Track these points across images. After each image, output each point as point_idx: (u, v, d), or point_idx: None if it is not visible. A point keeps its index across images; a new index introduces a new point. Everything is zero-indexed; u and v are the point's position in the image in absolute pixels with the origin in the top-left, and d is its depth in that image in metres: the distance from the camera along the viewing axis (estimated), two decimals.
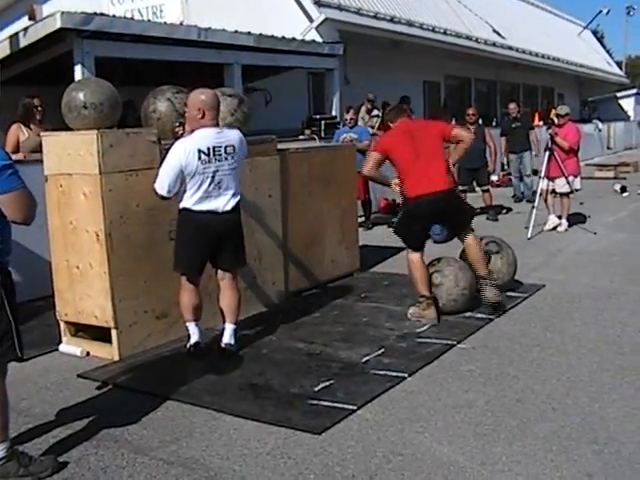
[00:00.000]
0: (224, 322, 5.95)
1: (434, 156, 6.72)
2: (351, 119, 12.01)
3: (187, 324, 5.91)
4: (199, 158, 5.43)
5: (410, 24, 17.41)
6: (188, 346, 5.89)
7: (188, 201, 5.58)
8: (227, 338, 5.90)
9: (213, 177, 5.52)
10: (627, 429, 4.34)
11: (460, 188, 12.97)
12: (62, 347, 6.22)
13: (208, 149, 5.47)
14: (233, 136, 5.69)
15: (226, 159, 5.56)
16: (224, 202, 5.62)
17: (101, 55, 9.23)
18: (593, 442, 4.18)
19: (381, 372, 5.34)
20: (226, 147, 5.58)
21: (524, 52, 24.33)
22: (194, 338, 5.87)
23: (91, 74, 8.85)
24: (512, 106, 15.26)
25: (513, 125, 15.02)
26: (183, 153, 5.44)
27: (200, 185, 5.51)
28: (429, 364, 5.54)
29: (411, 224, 6.82)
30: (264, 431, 4.47)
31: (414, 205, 6.70)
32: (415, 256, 6.75)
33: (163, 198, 5.60)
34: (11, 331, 3.82)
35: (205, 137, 5.51)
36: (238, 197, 5.72)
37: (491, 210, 13.13)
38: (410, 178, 6.69)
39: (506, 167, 17.62)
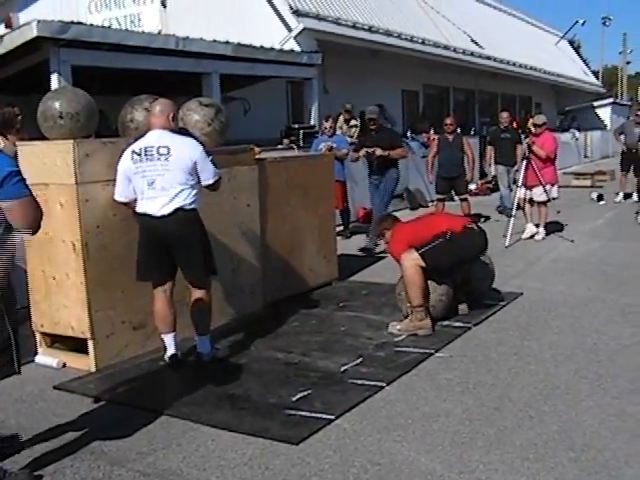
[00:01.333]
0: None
1: None
2: (330, 127, 12.04)
3: (162, 336, 5.87)
4: (132, 158, 5.56)
5: (388, 34, 17.47)
6: (165, 358, 5.87)
7: (137, 204, 5.66)
8: (199, 348, 5.93)
9: (144, 177, 5.52)
10: (603, 436, 4.36)
11: (438, 197, 13.11)
12: (38, 358, 6.17)
13: (140, 149, 5.55)
14: (172, 139, 5.60)
15: (158, 159, 5.50)
16: (160, 205, 5.51)
17: (78, 64, 9.19)
18: (570, 449, 4.20)
19: (359, 381, 5.34)
20: (159, 148, 5.53)
21: (502, 62, 24.48)
22: (170, 350, 5.84)
23: (68, 83, 8.81)
24: (504, 115, 14.62)
25: (502, 135, 14.36)
26: (123, 157, 5.63)
27: (138, 186, 5.58)
28: (407, 373, 5.54)
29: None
30: (242, 442, 4.45)
31: None
32: (416, 263, 6.55)
33: (121, 204, 5.74)
34: (10, 346, 3.78)
35: (143, 139, 5.62)
36: (180, 203, 5.51)
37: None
38: None
39: (490, 177, 17.69)
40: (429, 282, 6.65)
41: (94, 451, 4.40)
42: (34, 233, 3.81)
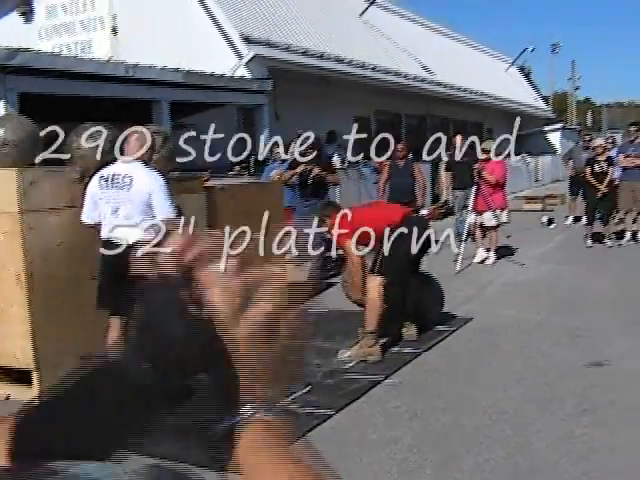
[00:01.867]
0: None
1: None
2: (277, 153, 12.02)
3: None
4: (99, 184, 5.63)
5: (339, 60, 17.59)
6: None
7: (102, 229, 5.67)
8: None
9: (108, 203, 5.58)
10: (550, 459, 4.39)
11: None
12: None
13: (108, 176, 5.61)
14: (137, 169, 5.61)
15: (121, 188, 5.56)
16: (122, 233, 5.41)
17: (26, 91, 9.10)
18: (516, 475, 4.21)
19: (308, 410, 5.30)
20: (124, 176, 5.58)
21: (453, 88, 24.79)
22: None
23: (14, 110, 8.71)
24: (458, 138, 13.98)
25: (457, 160, 13.49)
26: (91, 181, 5.72)
27: (102, 212, 5.62)
28: (356, 400, 5.52)
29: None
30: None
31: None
32: (380, 285, 6.58)
33: (87, 226, 5.74)
34: None
35: (113, 166, 5.68)
36: (141, 234, 5.27)
37: None
38: None
39: (442, 202, 17.76)
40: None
41: None
42: None
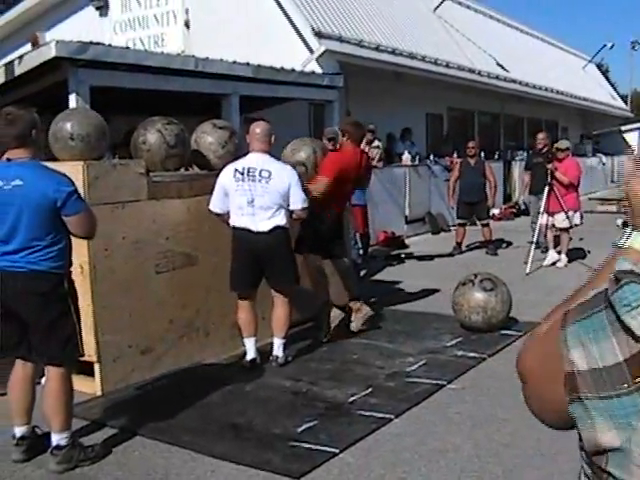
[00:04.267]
0: (272, 336, 6.48)
1: None
2: None
3: (244, 340, 6.36)
4: (234, 176, 6.13)
5: (412, 56, 17.37)
6: (244, 362, 6.33)
7: (232, 218, 6.20)
8: (275, 351, 6.42)
9: (244, 195, 6.07)
10: None
11: (459, 221, 12.96)
12: (44, 380, 6.08)
13: (243, 169, 6.12)
14: (273, 164, 6.21)
15: (259, 181, 6.05)
16: (258, 222, 6.09)
17: (96, 84, 9.16)
18: None
19: (367, 413, 5.21)
20: (261, 171, 6.10)
21: (528, 85, 24.30)
22: (250, 354, 6.33)
23: (86, 103, 8.77)
24: (540, 136, 12.75)
25: (535, 160, 12.58)
26: (224, 173, 6.24)
27: (236, 202, 6.13)
28: (417, 405, 5.40)
29: None
30: (242, 474, 4.34)
31: None
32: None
33: (214, 214, 6.29)
34: (76, 333, 4.46)
35: (246, 159, 6.22)
36: (277, 222, 6.11)
37: (491, 245, 13.02)
38: None
39: (522, 205, 17.30)
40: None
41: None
42: (91, 239, 4.82)
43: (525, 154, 18.93)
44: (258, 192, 6.06)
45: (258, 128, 6.28)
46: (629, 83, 57.74)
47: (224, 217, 6.25)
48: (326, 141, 10.72)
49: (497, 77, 22.10)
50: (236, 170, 6.15)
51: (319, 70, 14.06)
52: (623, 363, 1.05)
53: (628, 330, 1.05)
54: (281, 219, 6.13)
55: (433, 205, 16.44)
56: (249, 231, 6.11)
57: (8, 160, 4.34)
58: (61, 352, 4.43)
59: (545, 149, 12.35)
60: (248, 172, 6.10)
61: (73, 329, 4.45)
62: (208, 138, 6.97)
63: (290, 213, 6.23)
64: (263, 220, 6.08)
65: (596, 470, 1.14)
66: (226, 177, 6.19)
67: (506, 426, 5.00)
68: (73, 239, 4.49)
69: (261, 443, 4.74)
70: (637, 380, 1.03)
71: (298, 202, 6.18)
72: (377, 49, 16.05)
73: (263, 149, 6.23)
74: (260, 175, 6.08)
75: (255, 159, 6.20)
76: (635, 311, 1.05)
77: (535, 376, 1.23)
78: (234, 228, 6.20)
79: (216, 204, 6.24)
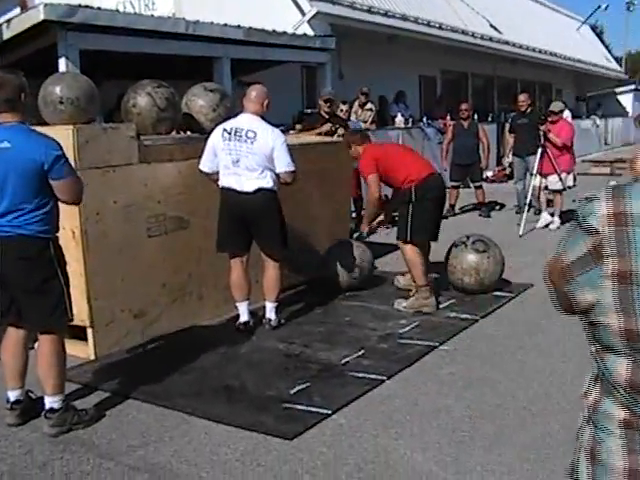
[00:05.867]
0: (264, 299, 6.48)
1: None
2: (345, 112, 11.86)
3: (237, 304, 6.38)
4: (222, 135, 6.13)
5: (405, 18, 17.23)
6: (237, 324, 6.35)
7: (220, 178, 6.21)
8: (267, 314, 6.44)
9: (230, 154, 6.07)
10: None
11: (452, 184, 12.93)
12: (37, 345, 6.08)
13: (231, 129, 6.12)
14: (260, 125, 6.14)
15: (245, 141, 6.03)
16: (243, 182, 6.08)
17: (86, 48, 9.08)
18: (571, 450, 4.06)
19: (359, 374, 5.23)
20: (247, 131, 6.07)
21: (521, 47, 24.16)
22: (243, 317, 6.36)
23: (75, 67, 8.71)
24: (522, 98, 12.71)
25: (519, 121, 12.52)
26: (214, 132, 6.25)
27: (223, 162, 6.13)
28: (409, 367, 5.42)
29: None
30: (235, 436, 4.36)
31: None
32: (412, 246, 6.79)
33: (203, 173, 6.29)
34: (64, 298, 4.45)
35: (235, 120, 6.25)
36: (261, 183, 6.08)
37: (484, 207, 13.02)
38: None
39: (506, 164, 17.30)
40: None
41: (85, 442, 4.33)
42: (78, 205, 4.74)
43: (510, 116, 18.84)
44: (243, 152, 6.05)
45: (254, 91, 6.28)
46: (623, 45, 57.41)
47: (213, 177, 6.26)
48: (322, 102, 10.69)
49: (490, 39, 21.97)
50: (224, 130, 6.16)
51: (311, 32, 13.95)
52: (587, 252, 1.69)
53: (586, 230, 1.69)
54: (267, 182, 6.11)
55: None
56: (234, 191, 6.11)
57: None
58: (49, 317, 4.43)
59: (529, 110, 12.46)
60: (235, 132, 6.10)
61: (61, 294, 4.44)
62: (199, 101, 6.92)
63: (277, 176, 6.19)
64: (248, 180, 6.07)
65: (590, 327, 1.76)
66: (215, 136, 6.20)
67: (498, 387, 5.03)
68: (64, 205, 4.50)
69: (254, 405, 4.77)
70: (598, 261, 1.66)
71: (283, 165, 6.13)
72: (369, 11, 15.92)
73: (254, 110, 6.20)
74: (246, 136, 6.06)
75: (244, 120, 6.19)
76: (587, 218, 1.69)
77: (554, 277, 1.82)
78: (221, 188, 6.20)
79: (205, 163, 6.27)
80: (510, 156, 13.25)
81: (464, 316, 6.60)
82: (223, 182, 6.18)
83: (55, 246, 4.45)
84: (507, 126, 14.23)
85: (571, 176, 11.70)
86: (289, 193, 6.85)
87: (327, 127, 10.22)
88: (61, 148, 4.35)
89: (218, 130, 6.22)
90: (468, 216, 13.05)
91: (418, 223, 6.74)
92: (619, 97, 36.58)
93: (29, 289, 4.35)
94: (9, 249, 4.27)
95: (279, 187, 6.26)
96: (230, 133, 6.11)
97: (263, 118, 6.26)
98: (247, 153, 6.04)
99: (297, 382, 5.10)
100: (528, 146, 11.77)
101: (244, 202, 6.09)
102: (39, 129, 5.80)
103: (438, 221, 7.06)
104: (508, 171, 18.27)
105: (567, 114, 21.19)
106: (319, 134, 9.96)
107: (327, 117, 10.42)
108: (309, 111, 13.76)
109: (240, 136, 6.07)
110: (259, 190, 6.08)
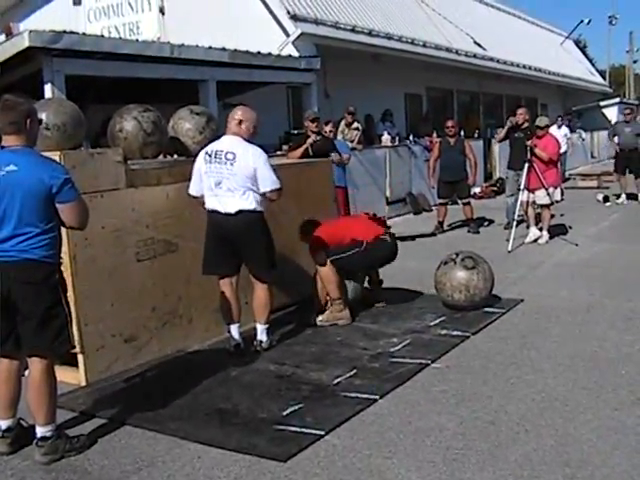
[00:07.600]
0: (255, 321, 6.50)
1: None
2: (330, 132, 11.90)
3: (228, 326, 6.38)
4: (204, 159, 6.20)
5: (389, 37, 17.32)
6: (228, 346, 6.35)
7: (205, 201, 6.24)
8: (258, 335, 6.42)
9: (212, 177, 6.11)
10: (601, 451, 4.23)
11: (440, 201, 12.96)
12: (27, 373, 6.05)
13: (212, 152, 6.17)
14: (240, 146, 6.14)
15: (225, 163, 6.06)
16: (225, 204, 6.10)
17: (72, 73, 9.10)
18: (566, 465, 4.06)
19: (352, 394, 5.21)
20: (227, 153, 6.09)
21: (506, 63, 24.31)
22: (233, 340, 6.35)
23: (61, 93, 8.73)
24: (520, 111, 12.65)
25: (516, 135, 12.37)
26: (199, 157, 6.30)
27: (207, 184, 6.16)
28: (401, 385, 5.41)
29: None
30: (229, 459, 4.34)
31: None
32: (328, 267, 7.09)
33: (193, 198, 6.33)
34: (67, 324, 4.44)
35: (217, 142, 6.30)
36: (243, 204, 6.08)
37: (472, 223, 13.05)
38: None
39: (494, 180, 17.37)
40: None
41: (77, 470, 4.30)
42: (83, 229, 4.62)
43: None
44: (224, 174, 6.08)
45: (239, 111, 6.33)
46: (607, 58, 57.80)
47: (200, 200, 6.28)
48: (309, 123, 10.72)
49: (475, 56, 22.11)
50: (206, 153, 6.22)
51: (296, 53, 14.02)
52: None
53: None
54: (249, 202, 6.10)
55: (414, 185, 16.45)
56: (218, 213, 6.14)
57: (1, 147, 4.31)
58: (53, 343, 4.40)
59: (525, 124, 12.39)
60: (215, 155, 6.14)
61: (65, 320, 4.43)
62: (185, 124, 6.95)
63: (263, 196, 6.18)
64: (230, 202, 6.08)
65: None
66: (199, 160, 6.25)
67: (490, 403, 5.02)
68: None
69: (247, 428, 4.75)
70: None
71: (267, 184, 6.13)
72: (353, 30, 16.00)
73: (235, 132, 6.23)
74: (226, 157, 6.09)
75: (224, 142, 6.24)
76: None
77: None
78: (208, 211, 6.23)
79: (193, 187, 6.30)
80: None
81: (455, 333, 6.60)
82: (208, 204, 6.22)
83: (59, 272, 4.46)
84: (493, 141, 14.30)
85: (558, 190, 11.75)
86: (276, 212, 6.88)
87: (311, 139, 10.26)
88: (68, 172, 4.39)
89: (202, 154, 6.27)
90: (457, 233, 13.07)
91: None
92: (604, 110, 36.78)
93: (35, 314, 4.31)
94: (15, 274, 4.26)
95: (266, 207, 6.26)
96: (211, 156, 6.16)
97: (249, 140, 6.25)
98: (228, 175, 6.07)
99: (289, 403, 5.08)
100: (523, 161, 11.50)
101: (227, 223, 6.11)
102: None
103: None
104: (497, 187, 18.34)
105: (565, 130, 21.38)
106: (305, 150, 10.00)
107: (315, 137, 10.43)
108: (295, 132, 13.80)
109: (220, 158, 6.11)
110: (241, 212, 6.08)
